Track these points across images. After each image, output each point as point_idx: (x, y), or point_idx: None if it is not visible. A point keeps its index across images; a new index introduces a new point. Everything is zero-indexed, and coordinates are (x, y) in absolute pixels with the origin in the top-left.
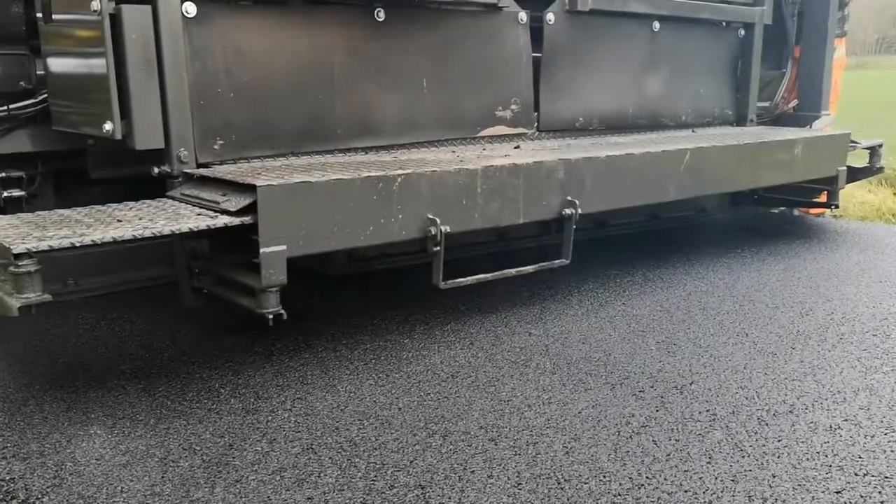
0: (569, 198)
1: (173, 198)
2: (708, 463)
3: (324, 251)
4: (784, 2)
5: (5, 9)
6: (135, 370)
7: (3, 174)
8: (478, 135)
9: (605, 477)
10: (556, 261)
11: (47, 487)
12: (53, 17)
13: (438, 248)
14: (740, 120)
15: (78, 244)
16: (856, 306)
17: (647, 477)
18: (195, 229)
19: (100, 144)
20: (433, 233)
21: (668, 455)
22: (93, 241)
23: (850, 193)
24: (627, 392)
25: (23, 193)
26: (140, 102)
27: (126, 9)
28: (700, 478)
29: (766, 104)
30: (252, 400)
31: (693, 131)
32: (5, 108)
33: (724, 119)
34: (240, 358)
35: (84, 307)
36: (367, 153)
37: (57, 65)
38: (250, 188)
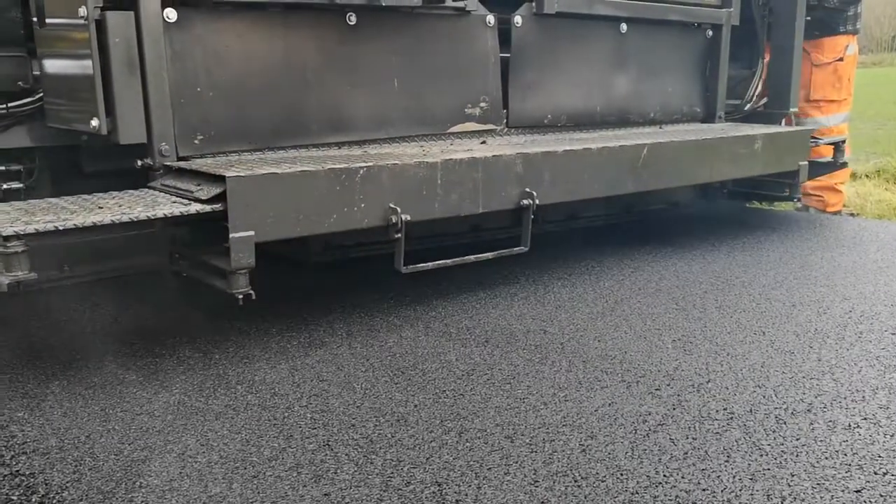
0: (527, 189)
1: (153, 188)
2: (726, 461)
3: (290, 237)
4: (754, 3)
5: (4, 14)
6: (151, 367)
7: (3, 167)
8: (448, 131)
9: (622, 475)
10: (516, 248)
11: (67, 482)
12: (47, 21)
13: (399, 234)
14: (709, 117)
15: (61, 228)
16: (874, 305)
17: (664, 475)
18: (169, 215)
19: (92, 140)
20: (394, 221)
21: (686, 453)
22: (75, 224)
23: (868, 192)
24: (644, 390)
25: (21, 186)
26: (123, 100)
27: (110, 15)
28: (718, 476)
29: (738, 102)
30: (268, 396)
31: (660, 128)
32: (4, 106)
33: (693, 116)
34: (255, 354)
35: (99, 302)
36: (339, 148)
37: (50, 66)
38: (220, 179)
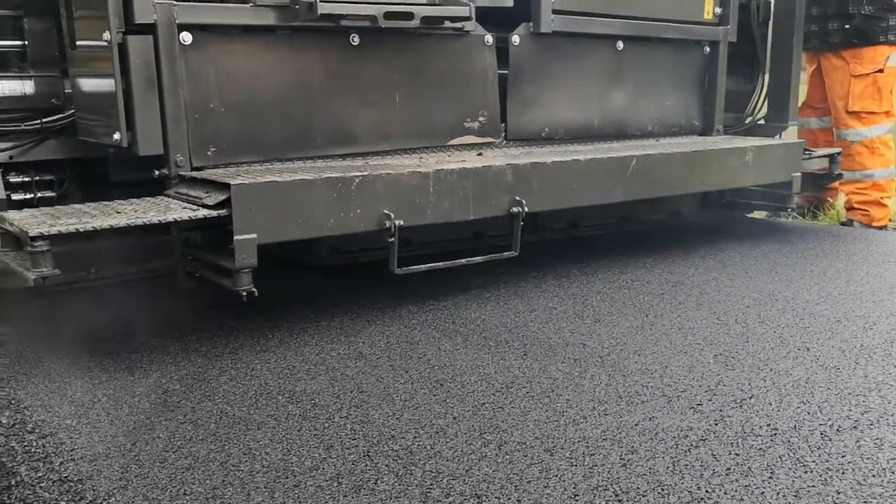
0: (516, 198)
1: (168, 195)
2: (770, 478)
3: (290, 239)
4: (753, 19)
5: (42, 38)
6: (195, 376)
7: (38, 178)
8: (447, 144)
9: (663, 490)
10: (506, 252)
11: (114, 488)
12: (77, 44)
13: (393, 238)
14: (707, 130)
15: (81, 230)
16: None
17: (706, 491)
18: (179, 219)
19: (118, 152)
20: (388, 226)
21: (728, 469)
22: (93, 227)
23: None
24: (685, 405)
25: (53, 194)
26: (143, 116)
27: (131, 39)
28: (762, 493)
29: (740, 115)
30: (309, 407)
31: (657, 141)
32: (39, 121)
33: (692, 129)
34: (295, 365)
35: (138, 311)
36: (343, 159)
37: (80, 84)
38: (226, 186)
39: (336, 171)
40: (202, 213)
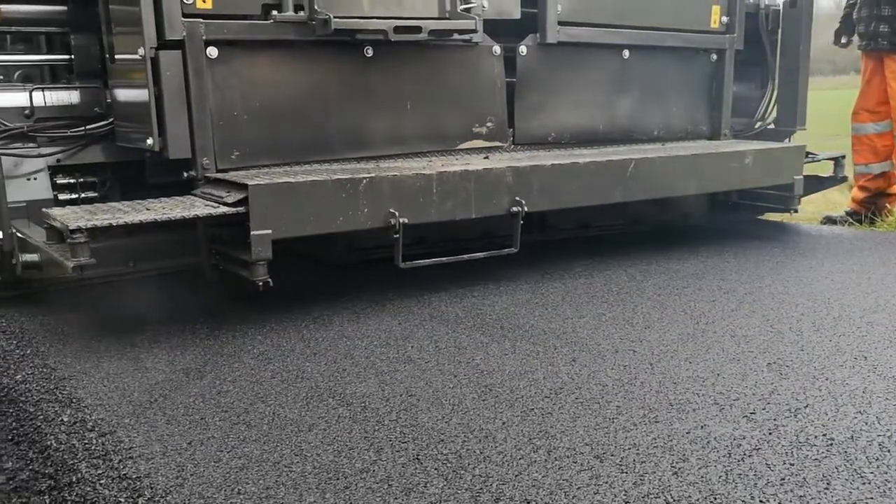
0: (517, 198)
1: (194, 195)
2: (826, 489)
3: (302, 235)
4: (762, 26)
5: (87, 52)
6: (248, 378)
7: (82, 179)
8: (457, 147)
9: (715, 499)
10: (506, 249)
11: (170, 486)
12: (116, 58)
13: (398, 235)
14: (714, 135)
15: (114, 224)
16: None
17: (760, 500)
18: (201, 215)
19: (153, 156)
20: (393, 223)
21: (783, 479)
22: (125, 221)
23: None
24: (738, 413)
25: (96, 195)
26: (173, 123)
27: (163, 53)
28: (817, 503)
29: (750, 120)
30: (359, 410)
31: (663, 145)
32: (83, 128)
33: (699, 134)
34: (346, 368)
35: (190, 315)
36: (357, 162)
37: (119, 95)
38: (244, 186)
39: (346, 173)
40: (222, 209)
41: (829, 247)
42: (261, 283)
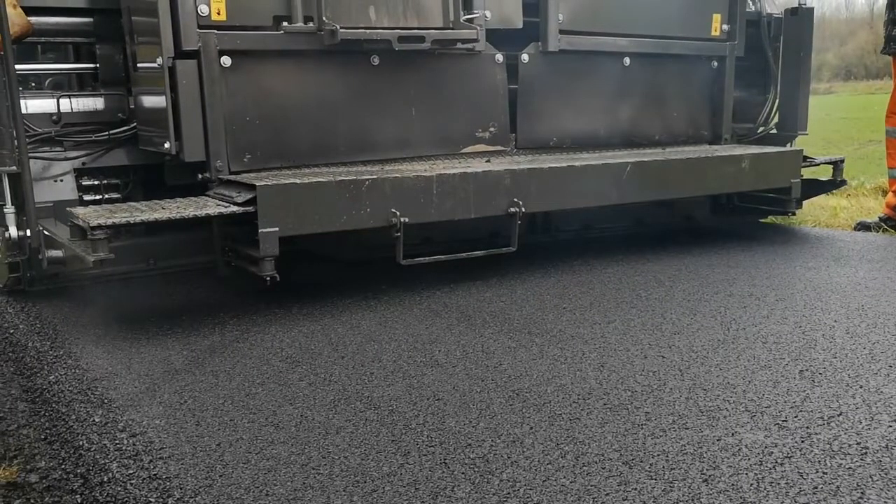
0: (515, 199)
1: (207, 195)
2: (860, 498)
3: (307, 233)
4: (764, 33)
5: (111, 61)
6: (277, 381)
7: (106, 181)
8: (460, 151)
9: None
10: (504, 248)
11: (200, 487)
12: (137, 67)
13: (399, 233)
14: (715, 139)
15: (132, 221)
16: None
17: None
18: (212, 214)
19: (171, 159)
20: (394, 222)
21: (815, 488)
22: (141, 219)
23: None
24: (769, 421)
25: (119, 196)
26: (189, 128)
27: (180, 62)
28: None
29: (753, 125)
30: (386, 413)
31: (663, 149)
32: (107, 133)
33: (700, 139)
34: (373, 372)
35: (226, 318)
36: (364, 165)
37: (140, 101)
38: (253, 187)
39: (350, 175)
40: (232, 209)
41: (863, 253)
42: (268, 279)
